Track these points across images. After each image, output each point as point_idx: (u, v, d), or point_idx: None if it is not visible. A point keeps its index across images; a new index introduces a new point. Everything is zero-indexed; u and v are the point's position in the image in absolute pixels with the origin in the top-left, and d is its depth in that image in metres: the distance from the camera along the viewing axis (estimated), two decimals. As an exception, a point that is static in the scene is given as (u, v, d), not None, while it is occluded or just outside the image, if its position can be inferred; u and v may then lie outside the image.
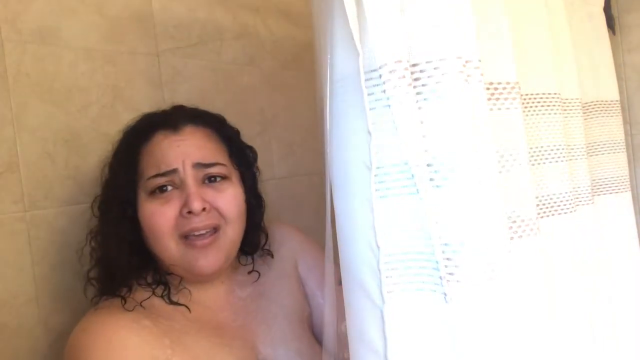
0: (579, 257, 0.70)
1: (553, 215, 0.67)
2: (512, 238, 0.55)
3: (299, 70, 1.24)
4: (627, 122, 1.16)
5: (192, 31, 1.05)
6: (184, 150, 0.75)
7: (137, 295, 0.74)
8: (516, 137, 0.57)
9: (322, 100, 0.54)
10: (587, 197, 0.75)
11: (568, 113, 0.74)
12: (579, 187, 0.74)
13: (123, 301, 0.72)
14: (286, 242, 0.91)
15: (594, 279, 0.75)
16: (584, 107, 0.82)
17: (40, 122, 0.83)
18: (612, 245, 0.87)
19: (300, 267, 0.91)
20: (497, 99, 0.56)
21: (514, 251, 0.54)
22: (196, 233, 0.74)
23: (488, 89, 0.55)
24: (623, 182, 0.91)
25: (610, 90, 0.94)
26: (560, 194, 0.68)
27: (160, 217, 0.73)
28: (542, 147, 0.67)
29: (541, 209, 0.66)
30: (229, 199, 0.77)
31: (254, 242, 0.86)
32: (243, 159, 0.83)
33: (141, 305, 0.72)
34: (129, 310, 0.71)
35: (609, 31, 0.97)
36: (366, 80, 0.49)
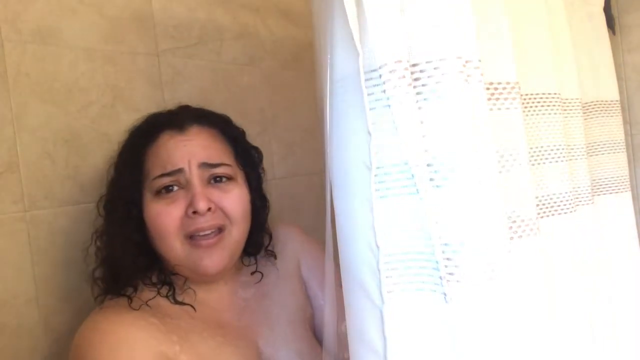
0: (579, 257, 0.70)
1: (553, 215, 0.67)
2: (512, 238, 0.55)
3: (299, 70, 1.24)
4: (627, 122, 1.16)
5: (192, 31, 1.05)
6: (190, 150, 0.75)
7: (143, 295, 0.74)
8: (516, 137, 0.57)
9: (322, 100, 0.54)
10: (587, 197, 0.75)
11: (568, 113, 0.74)
12: (579, 187, 0.74)
13: (129, 300, 0.72)
14: (289, 242, 0.91)
15: (594, 279, 0.75)
16: (584, 107, 0.82)
17: (40, 122, 0.83)
18: (612, 245, 0.87)
19: (302, 267, 0.91)
20: (497, 99, 0.56)
21: (514, 251, 0.54)
22: (201, 233, 0.74)
23: (488, 89, 0.55)
24: (623, 182, 0.91)
25: (610, 90, 0.94)
26: (560, 194, 0.68)
27: (165, 217, 0.73)
28: (542, 147, 0.67)
29: (541, 209, 0.66)
30: (234, 199, 0.77)
31: (257, 243, 0.86)
32: (248, 159, 0.83)
33: (147, 305, 0.72)
34: (135, 309, 0.71)
35: (609, 31, 0.97)
36: (366, 80, 0.49)
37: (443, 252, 0.48)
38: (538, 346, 0.54)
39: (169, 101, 0.98)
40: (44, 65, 0.84)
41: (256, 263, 0.86)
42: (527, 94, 0.66)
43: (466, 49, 0.49)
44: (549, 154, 0.67)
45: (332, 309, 0.64)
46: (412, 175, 0.49)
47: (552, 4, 0.72)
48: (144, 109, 0.93)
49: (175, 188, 0.74)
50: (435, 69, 0.48)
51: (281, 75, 1.21)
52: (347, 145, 0.52)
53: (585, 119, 0.84)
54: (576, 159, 0.75)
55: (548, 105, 0.67)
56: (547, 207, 0.66)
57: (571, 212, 0.68)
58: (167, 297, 0.75)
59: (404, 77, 0.48)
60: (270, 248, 0.88)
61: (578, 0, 0.86)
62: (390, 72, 0.48)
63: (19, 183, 0.80)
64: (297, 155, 1.23)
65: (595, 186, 0.86)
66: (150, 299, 0.73)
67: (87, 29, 0.89)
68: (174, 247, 0.74)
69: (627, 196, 0.91)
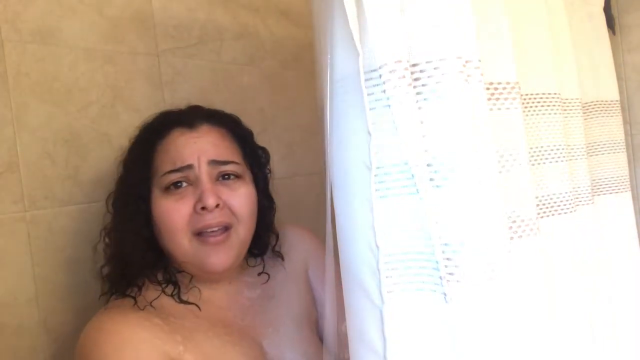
0: (579, 257, 0.70)
1: (553, 215, 0.67)
2: (512, 238, 0.55)
3: (299, 70, 1.24)
4: (627, 122, 1.16)
5: (192, 31, 1.05)
6: (200, 147, 0.76)
7: (148, 294, 0.74)
8: (516, 137, 0.57)
9: (322, 100, 0.54)
10: (587, 197, 0.75)
11: (568, 113, 0.74)
12: (579, 187, 0.74)
13: (134, 301, 0.72)
14: (298, 245, 0.91)
15: (594, 279, 0.75)
16: (584, 107, 0.82)
17: (40, 122, 0.83)
18: (612, 245, 0.87)
19: (310, 271, 0.91)
20: (497, 99, 0.56)
21: (514, 251, 0.54)
22: (209, 230, 0.74)
23: (488, 89, 0.55)
24: (623, 182, 0.91)
25: (610, 90, 0.94)
26: (560, 194, 0.68)
27: (174, 213, 0.73)
28: (542, 147, 0.67)
29: (541, 209, 0.66)
30: (242, 198, 0.77)
31: (264, 244, 0.86)
32: (256, 159, 0.84)
33: (151, 305, 0.72)
34: (140, 310, 0.71)
35: (609, 31, 0.97)
36: (366, 80, 0.49)
37: (443, 252, 0.48)
38: (538, 346, 0.54)
39: (169, 101, 0.98)
40: (44, 65, 0.84)
41: (263, 264, 0.86)
42: (527, 94, 0.65)
43: (466, 49, 0.49)
44: (549, 154, 0.67)
45: (332, 309, 0.64)
46: (412, 175, 0.49)
47: (552, 4, 0.72)
48: (144, 109, 0.93)
49: (184, 184, 0.75)
50: (435, 69, 0.48)
51: (281, 75, 1.21)
52: (347, 145, 0.52)
53: (585, 119, 0.84)
54: (576, 159, 0.75)
55: (548, 105, 0.67)
56: (547, 207, 0.66)
57: (571, 212, 0.68)
58: (172, 296, 0.75)
59: (404, 77, 0.48)
60: (277, 249, 0.88)
61: (578, 0, 0.86)
62: (390, 72, 0.48)
63: (19, 183, 0.80)
64: (297, 155, 1.23)
65: (595, 186, 0.86)
66: (155, 299, 0.73)
67: (87, 29, 0.89)
68: (181, 243, 0.74)
69: (627, 196, 0.91)
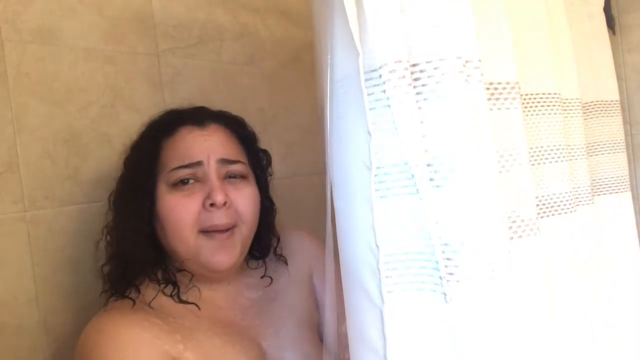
0: (579, 257, 0.70)
1: (553, 215, 0.67)
2: (512, 238, 0.55)
3: (299, 70, 1.24)
4: (627, 122, 1.16)
5: (192, 31, 1.05)
6: (210, 145, 0.76)
7: (147, 295, 0.74)
8: (516, 137, 0.57)
9: (322, 100, 0.54)
10: (587, 197, 0.75)
11: (568, 113, 0.74)
12: (579, 187, 0.74)
13: (132, 302, 0.72)
14: (302, 249, 0.91)
15: (594, 279, 0.75)
16: (584, 107, 0.82)
17: (40, 122, 0.83)
18: (612, 245, 0.87)
19: (315, 276, 0.91)
20: (497, 99, 0.56)
21: (514, 251, 0.54)
22: (215, 230, 0.75)
23: (488, 89, 0.55)
24: (623, 182, 0.91)
25: (610, 90, 0.94)
26: (560, 194, 0.68)
27: (181, 209, 0.73)
28: (542, 147, 0.67)
29: (541, 209, 0.66)
30: (247, 198, 0.78)
31: (265, 246, 0.86)
32: (258, 161, 0.85)
33: (150, 306, 0.73)
34: (139, 310, 0.71)
35: (609, 31, 0.97)
36: (366, 80, 0.49)
37: (443, 252, 0.48)
38: (538, 346, 0.54)
39: (169, 101, 0.98)
40: (44, 65, 0.84)
41: (265, 266, 0.86)
42: (527, 94, 0.65)
43: (466, 49, 0.49)
44: (549, 154, 0.67)
45: (332, 309, 0.64)
46: (412, 175, 0.49)
47: (552, 4, 0.72)
48: (144, 109, 0.93)
49: (192, 181, 0.75)
50: (435, 69, 0.48)
51: (281, 75, 1.21)
52: (347, 145, 0.52)
53: (585, 119, 0.84)
54: (576, 159, 0.75)
55: (548, 105, 0.67)
56: (547, 207, 0.66)
57: (571, 212, 0.68)
58: (171, 296, 0.75)
59: (404, 77, 0.48)
60: (278, 251, 0.88)
61: (578, 0, 0.86)
62: (390, 72, 0.48)
63: (19, 183, 0.80)
64: (297, 155, 1.23)
65: (595, 186, 0.86)
66: (154, 299, 0.73)
67: (87, 29, 0.89)
68: (187, 240, 0.74)
69: (627, 196, 0.91)
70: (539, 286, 0.57)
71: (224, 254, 0.75)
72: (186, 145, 0.76)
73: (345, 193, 0.53)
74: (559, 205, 0.67)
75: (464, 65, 0.49)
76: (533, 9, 0.66)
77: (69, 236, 0.85)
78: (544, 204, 0.66)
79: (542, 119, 0.67)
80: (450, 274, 0.48)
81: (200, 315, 0.75)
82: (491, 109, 0.55)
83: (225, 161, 0.77)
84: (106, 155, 0.88)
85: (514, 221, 0.56)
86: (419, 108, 0.49)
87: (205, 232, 0.74)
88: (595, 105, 0.90)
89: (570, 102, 0.75)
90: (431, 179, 0.49)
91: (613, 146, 0.91)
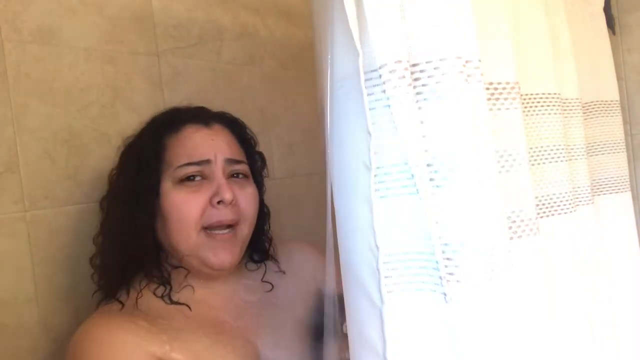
0: (579, 257, 0.70)
1: (553, 215, 0.67)
2: (512, 238, 0.55)
3: (299, 70, 1.24)
4: (627, 122, 1.16)
5: (192, 31, 1.05)
6: (216, 145, 0.78)
7: (136, 298, 0.74)
8: (516, 137, 0.57)
9: (322, 100, 0.54)
10: (587, 197, 0.75)
11: (568, 113, 0.74)
12: (578, 187, 0.74)
13: (121, 305, 0.73)
14: (306, 260, 0.92)
15: (594, 279, 0.75)
16: (584, 107, 0.82)
17: (40, 122, 0.83)
18: (612, 245, 0.87)
19: (322, 286, 0.90)
20: (497, 99, 0.56)
21: (514, 251, 0.54)
22: (219, 226, 0.76)
23: (488, 89, 0.55)
24: (623, 182, 0.91)
25: (610, 90, 0.94)
26: (560, 194, 0.68)
27: (188, 205, 0.74)
28: (542, 147, 0.67)
29: (541, 209, 0.66)
30: (250, 197, 0.80)
31: (262, 249, 0.88)
32: (255, 164, 0.87)
33: (138, 309, 0.73)
34: (126, 313, 0.72)
35: (609, 31, 0.97)
36: (366, 80, 0.49)
37: (443, 252, 0.48)
38: (538, 346, 0.54)
39: (169, 101, 0.98)
40: (44, 65, 0.84)
41: (265, 270, 0.87)
42: (527, 94, 0.65)
43: (466, 49, 0.49)
44: (549, 154, 0.67)
45: (332, 309, 0.64)
46: (412, 175, 0.49)
47: (552, 4, 0.72)
48: (144, 109, 0.93)
49: (198, 178, 0.76)
50: (435, 69, 0.48)
51: (281, 75, 1.21)
52: (347, 145, 0.52)
53: (585, 119, 0.84)
54: (576, 159, 0.75)
55: (548, 105, 0.67)
56: (547, 207, 0.66)
57: (571, 212, 0.68)
58: (162, 297, 0.75)
59: (404, 77, 0.48)
60: (271, 252, 0.89)
61: (578, 0, 0.86)
62: (390, 72, 0.48)
63: (19, 183, 0.80)
64: (297, 155, 1.23)
65: (595, 186, 0.86)
66: (144, 301, 0.74)
67: (87, 29, 0.89)
68: (190, 236, 0.75)
69: (627, 196, 0.92)
70: (539, 286, 0.57)
71: (226, 253, 0.76)
72: (194, 143, 0.77)
73: (345, 193, 0.53)
74: (558, 205, 0.67)
75: (464, 65, 0.49)
76: (533, 9, 0.66)
77: (68, 236, 0.85)
78: (544, 204, 0.66)
79: (542, 119, 0.67)
80: (450, 274, 0.48)
81: (190, 316, 0.76)
82: (491, 109, 0.55)
83: (231, 161, 0.79)
84: (106, 155, 0.88)
85: (514, 221, 0.56)
86: (419, 108, 0.49)
87: (208, 230, 0.75)
88: (595, 105, 0.90)
89: (570, 102, 0.75)
90: (431, 179, 0.49)
91: (613, 146, 0.91)
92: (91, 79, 0.89)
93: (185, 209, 0.74)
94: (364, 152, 0.50)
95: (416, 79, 0.49)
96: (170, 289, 0.76)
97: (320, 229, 0.57)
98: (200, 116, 0.81)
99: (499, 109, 0.56)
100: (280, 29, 1.21)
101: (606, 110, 0.91)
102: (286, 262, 0.90)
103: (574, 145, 0.75)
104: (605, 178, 0.89)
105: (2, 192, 0.78)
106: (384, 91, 0.48)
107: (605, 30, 0.95)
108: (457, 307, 0.48)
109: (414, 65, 0.49)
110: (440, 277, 0.49)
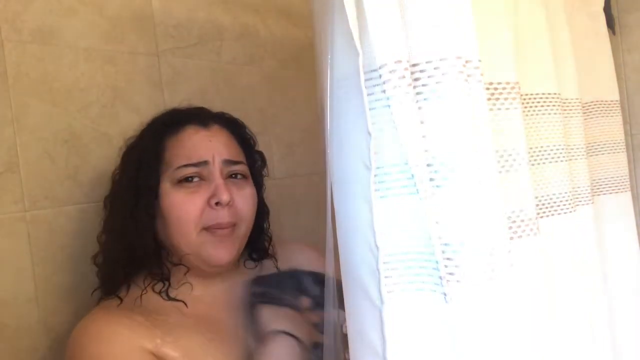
0: (579, 257, 0.70)
1: (553, 215, 0.67)
2: (512, 238, 0.55)
3: (299, 70, 1.24)
4: (627, 122, 1.16)
5: (192, 31, 1.05)
6: (215, 146, 0.79)
7: (135, 294, 0.75)
8: (516, 137, 0.57)
9: (322, 100, 0.54)
10: (587, 197, 0.75)
11: (568, 113, 0.74)
12: (578, 187, 0.74)
13: (119, 301, 0.74)
14: (305, 260, 0.91)
15: (594, 279, 0.75)
16: (583, 107, 0.82)
17: (40, 122, 0.83)
18: (612, 245, 0.87)
19: None
20: (497, 99, 0.56)
21: (514, 251, 0.54)
22: (218, 228, 0.76)
23: (488, 89, 0.55)
24: (623, 182, 0.91)
25: (610, 90, 0.94)
26: (560, 194, 0.68)
27: (186, 206, 0.75)
28: (542, 147, 0.67)
29: (541, 209, 0.66)
30: (248, 197, 0.81)
31: (261, 248, 0.88)
32: (254, 164, 0.87)
33: (136, 304, 0.74)
34: (123, 309, 0.73)
35: (609, 31, 0.97)
36: (366, 80, 0.49)
37: (443, 252, 0.48)
38: (538, 346, 0.54)
39: (169, 101, 0.98)
40: (44, 65, 0.84)
41: (262, 269, 0.87)
42: (527, 94, 0.65)
43: (466, 49, 0.49)
44: (549, 154, 0.67)
45: (333, 309, 0.64)
46: (412, 175, 0.49)
47: (552, 4, 0.72)
48: (144, 109, 0.93)
49: (196, 179, 0.77)
50: (435, 69, 0.48)
51: (281, 75, 1.21)
52: (347, 145, 0.52)
53: (585, 119, 0.84)
54: (576, 159, 0.75)
55: (548, 105, 0.67)
56: (547, 207, 0.66)
57: (571, 212, 0.68)
58: (159, 293, 0.76)
59: (404, 77, 0.48)
60: (270, 251, 0.89)
61: (578, 0, 0.86)
62: (390, 72, 0.48)
63: (19, 183, 0.80)
64: (297, 155, 1.23)
65: (595, 186, 0.86)
66: (142, 297, 0.75)
67: (87, 29, 0.89)
68: (189, 235, 0.75)
69: (627, 196, 0.91)
70: (539, 286, 0.57)
71: (225, 250, 0.77)
72: (193, 144, 0.78)
73: (345, 193, 0.53)
74: (558, 205, 0.67)
75: (464, 65, 0.49)
76: (533, 9, 0.66)
77: (68, 236, 0.85)
78: (543, 204, 0.66)
79: (542, 119, 0.67)
80: (450, 274, 0.48)
81: (186, 313, 0.77)
82: (491, 109, 0.55)
83: (229, 162, 0.79)
84: (106, 155, 0.88)
85: (514, 221, 0.56)
86: (419, 108, 0.49)
87: (208, 229, 0.76)
88: (595, 105, 0.90)
89: (570, 102, 0.75)
90: (431, 179, 0.49)
91: (613, 146, 0.91)
92: (91, 79, 0.89)
93: (183, 209, 0.75)
94: (364, 152, 0.50)
95: (416, 79, 0.49)
96: (169, 286, 0.77)
97: (320, 229, 0.57)
98: (200, 117, 0.81)
99: (499, 109, 0.56)
100: (280, 29, 1.21)
101: (606, 110, 0.91)
102: (286, 263, 0.90)
103: (574, 145, 0.75)
104: (605, 178, 0.89)
105: (2, 192, 0.78)
106: (384, 91, 0.48)
107: (605, 30, 0.95)
108: (457, 307, 0.48)
109: (414, 65, 0.49)
110: (440, 277, 0.49)
